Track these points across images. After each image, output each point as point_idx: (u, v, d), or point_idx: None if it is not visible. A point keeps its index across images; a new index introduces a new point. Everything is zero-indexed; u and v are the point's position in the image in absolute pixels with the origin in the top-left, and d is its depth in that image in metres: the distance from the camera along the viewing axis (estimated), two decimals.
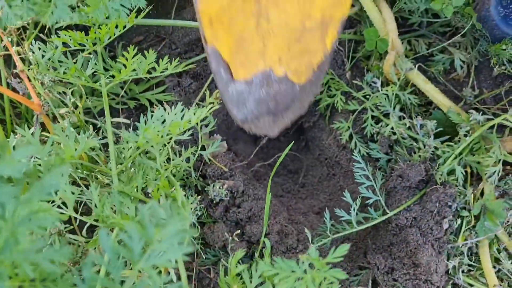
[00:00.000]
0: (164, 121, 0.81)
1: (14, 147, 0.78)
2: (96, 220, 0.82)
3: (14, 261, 0.40)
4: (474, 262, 1.04)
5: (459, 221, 1.05)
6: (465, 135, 1.10)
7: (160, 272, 0.80)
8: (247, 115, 0.88)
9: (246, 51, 0.84)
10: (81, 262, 0.88)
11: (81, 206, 0.99)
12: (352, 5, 1.29)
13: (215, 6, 0.77)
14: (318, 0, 0.82)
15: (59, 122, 0.90)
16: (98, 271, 0.76)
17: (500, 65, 1.27)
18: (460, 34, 1.28)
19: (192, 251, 1.10)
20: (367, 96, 1.21)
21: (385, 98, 1.18)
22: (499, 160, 1.07)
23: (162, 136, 0.78)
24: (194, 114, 0.79)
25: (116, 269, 0.42)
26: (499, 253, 1.04)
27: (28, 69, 0.86)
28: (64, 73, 0.84)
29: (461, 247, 1.03)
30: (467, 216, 1.05)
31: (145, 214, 0.45)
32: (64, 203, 0.77)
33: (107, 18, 0.83)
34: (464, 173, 1.07)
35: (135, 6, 0.81)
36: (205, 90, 1.18)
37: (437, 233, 1.02)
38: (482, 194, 1.08)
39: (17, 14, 0.65)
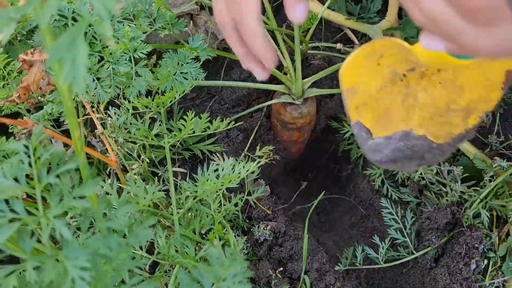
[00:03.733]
0: (218, 175, 0.95)
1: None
2: (159, 258, 0.96)
3: None
4: None
5: (485, 261, 1.13)
6: (490, 181, 1.20)
7: None
8: (383, 159, 1.03)
9: (389, 118, 0.99)
10: None
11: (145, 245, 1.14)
12: None
13: (363, 97, 0.95)
14: (466, 94, 0.96)
15: (127, 173, 1.06)
16: None
17: None
18: None
19: None
20: None
21: None
22: None
23: (217, 188, 0.92)
24: (243, 167, 0.93)
25: None
26: None
27: (105, 130, 1.03)
28: (134, 134, 1.01)
29: (488, 286, 1.11)
30: (493, 257, 1.13)
31: (213, 257, 0.58)
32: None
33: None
34: (489, 216, 1.16)
35: (196, 78, 0.96)
36: (251, 141, 1.33)
37: (465, 274, 1.11)
38: (507, 235, 1.16)
39: (106, 91, 0.82)
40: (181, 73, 0.95)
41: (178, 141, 1.29)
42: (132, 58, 0.86)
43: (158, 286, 0.55)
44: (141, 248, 1.09)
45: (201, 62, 1.01)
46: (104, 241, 0.55)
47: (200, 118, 1.05)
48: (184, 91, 1.03)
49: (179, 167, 1.30)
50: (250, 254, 1.24)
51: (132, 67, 0.85)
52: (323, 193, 1.12)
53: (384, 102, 0.95)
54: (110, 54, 0.83)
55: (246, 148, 1.32)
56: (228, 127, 1.08)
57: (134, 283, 0.55)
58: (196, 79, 1.02)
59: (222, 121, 1.07)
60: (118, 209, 0.58)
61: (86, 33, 0.85)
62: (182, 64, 0.96)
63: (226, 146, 1.32)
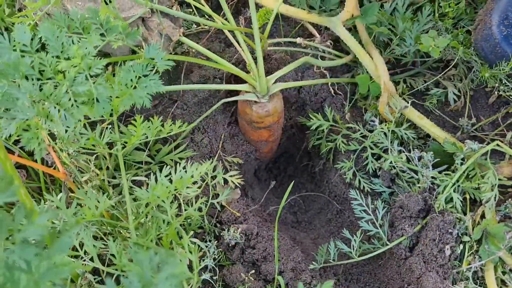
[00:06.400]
0: (170, 179, 0.92)
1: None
2: (122, 271, 0.93)
3: None
4: (480, 286, 1.08)
5: (461, 246, 1.10)
6: (461, 164, 1.17)
7: None
8: None
9: None
10: None
11: (108, 258, 1.10)
12: (348, 53, 1.39)
13: None
14: None
15: (83, 187, 1.03)
16: None
17: (496, 89, 1.34)
18: (452, 66, 1.36)
19: None
20: (367, 135, 1.29)
21: (383, 135, 1.26)
22: (495, 185, 1.12)
23: (170, 192, 0.89)
24: (196, 169, 0.89)
25: None
26: (504, 275, 1.08)
27: (55, 143, 1.00)
28: (85, 144, 0.97)
29: (465, 271, 1.08)
30: (468, 241, 1.10)
31: (142, 261, 0.55)
32: (92, 257, 0.88)
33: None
34: (462, 200, 1.13)
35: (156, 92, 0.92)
36: (220, 144, 1.30)
37: (441, 260, 1.07)
38: (482, 218, 1.13)
39: (72, 113, 0.79)
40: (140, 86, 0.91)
41: (146, 152, 1.26)
42: (88, 76, 0.82)
43: None
44: (103, 263, 1.05)
45: (160, 73, 0.96)
46: (19, 253, 0.52)
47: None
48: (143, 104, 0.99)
49: (146, 176, 1.27)
50: (222, 259, 1.21)
51: (91, 85, 0.81)
52: (289, 189, 1.09)
53: None
54: (64, 76, 0.79)
55: (216, 151, 1.29)
56: (183, 129, 1.05)
57: None
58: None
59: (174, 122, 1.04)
60: (37, 218, 0.55)
61: (32, 61, 0.82)
62: (139, 77, 0.92)
63: (192, 151, 1.28)
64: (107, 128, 1.04)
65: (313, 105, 1.40)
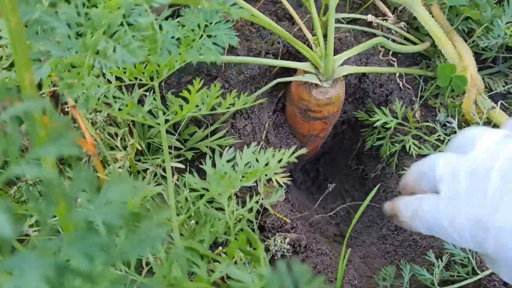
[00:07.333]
0: (233, 167, 0.69)
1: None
2: (155, 282, 0.69)
3: None
4: None
5: None
6: None
7: None
8: None
9: None
10: None
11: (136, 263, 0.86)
12: (421, 41, 1.18)
13: None
14: None
15: (109, 166, 0.79)
16: None
17: None
18: None
19: None
20: (443, 139, 1.08)
21: None
22: None
23: (235, 184, 0.66)
24: (273, 156, 0.67)
25: None
26: None
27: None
28: (119, 109, 0.74)
29: None
30: None
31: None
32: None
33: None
34: None
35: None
36: (263, 135, 1.07)
37: None
38: None
39: (133, 51, 0.55)
40: (208, 36, 0.68)
41: (177, 138, 1.02)
42: (148, 9, 0.59)
43: None
44: (128, 265, 0.82)
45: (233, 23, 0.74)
46: (79, 244, 0.29)
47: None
48: (214, 61, 0.76)
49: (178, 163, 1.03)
50: None
51: (153, 21, 0.58)
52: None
53: None
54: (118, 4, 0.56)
55: (259, 142, 1.06)
56: (248, 105, 0.82)
57: None
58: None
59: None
60: (104, 190, 0.32)
61: None
62: (207, 26, 0.69)
63: (232, 139, 1.05)
64: (145, 95, 0.81)
65: (377, 98, 1.18)
